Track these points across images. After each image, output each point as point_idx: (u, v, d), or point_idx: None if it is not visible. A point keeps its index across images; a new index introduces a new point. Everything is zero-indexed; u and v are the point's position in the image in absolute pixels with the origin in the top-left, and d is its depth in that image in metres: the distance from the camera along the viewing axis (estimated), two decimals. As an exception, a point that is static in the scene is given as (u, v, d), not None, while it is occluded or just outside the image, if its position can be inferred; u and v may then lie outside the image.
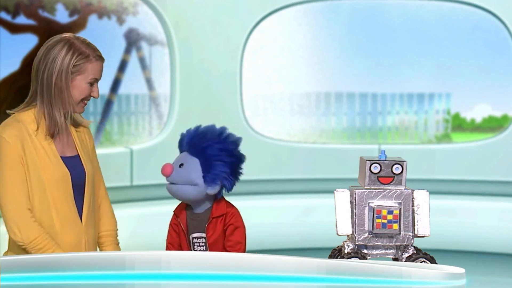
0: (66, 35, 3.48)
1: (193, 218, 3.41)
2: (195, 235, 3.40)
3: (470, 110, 9.07)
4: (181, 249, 3.45)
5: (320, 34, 8.88)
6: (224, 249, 3.37)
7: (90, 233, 3.55)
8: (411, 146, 8.85)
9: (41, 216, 3.43)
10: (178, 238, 3.45)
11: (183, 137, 3.43)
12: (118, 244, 3.71)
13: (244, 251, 3.38)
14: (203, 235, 3.38)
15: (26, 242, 3.38)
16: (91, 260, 2.92)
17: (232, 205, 3.44)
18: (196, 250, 3.38)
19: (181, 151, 3.44)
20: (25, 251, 3.40)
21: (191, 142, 3.39)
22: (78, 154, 3.54)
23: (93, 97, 3.51)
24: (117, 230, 3.72)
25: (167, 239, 3.49)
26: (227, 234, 3.37)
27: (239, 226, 3.39)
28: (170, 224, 3.48)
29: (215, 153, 3.35)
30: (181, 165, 3.37)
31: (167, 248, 3.47)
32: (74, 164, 3.50)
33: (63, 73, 3.42)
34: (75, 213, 3.49)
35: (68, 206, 3.47)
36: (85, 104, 3.52)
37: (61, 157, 3.47)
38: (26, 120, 3.45)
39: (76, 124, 3.59)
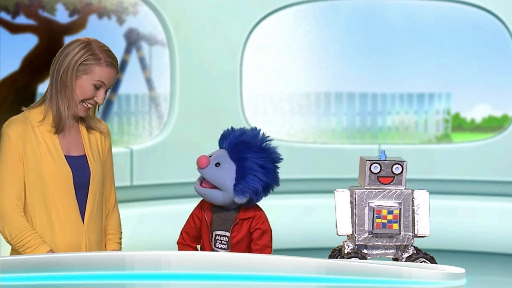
0: (89, 38, 3.51)
1: (219, 215, 3.37)
2: (218, 232, 3.37)
3: (470, 110, 9.07)
4: (198, 242, 3.42)
5: (320, 34, 8.88)
6: (247, 250, 3.35)
7: (93, 234, 3.53)
8: (411, 146, 8.84)
9: (39, 214, 3.43)
10: (195, 230, 3.42)
11: (226, 135, 3.38)
12: (120, 244, 3.69)
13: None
14: (227, 234, 3.35)
15: (8, 239, 3.39)
16: (91, 260, 2.92)
17: (260, 208, 3.41)
18: (218, 247, 3.35)
19: (220, 147, 3.39)
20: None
21: (233, 148, 3.33)
22: (85, 155, 3.53)
23: (97, 102, 3.48)
24: (121, 233, 3.70)
25: (183, 228, 3.45)
26: (255, 237, 3.35)
27: (267, 230, 3.37)
28: (192, 214, 3.44)
29: (253, 167, 3.30)
30: (217, 164, 3.31)
31: (180, 237, 3.44)
32: (78, 164, 3.49)
33: (69, 68, 3.42)
34: (77, 212, 3.47)
35: (69, 205, 3.46)
36: (87, 108, 3.49)
37: (65, 155, 3.47)
38: (33, 115, 3.47)
39: (90, 128, 3.58)
